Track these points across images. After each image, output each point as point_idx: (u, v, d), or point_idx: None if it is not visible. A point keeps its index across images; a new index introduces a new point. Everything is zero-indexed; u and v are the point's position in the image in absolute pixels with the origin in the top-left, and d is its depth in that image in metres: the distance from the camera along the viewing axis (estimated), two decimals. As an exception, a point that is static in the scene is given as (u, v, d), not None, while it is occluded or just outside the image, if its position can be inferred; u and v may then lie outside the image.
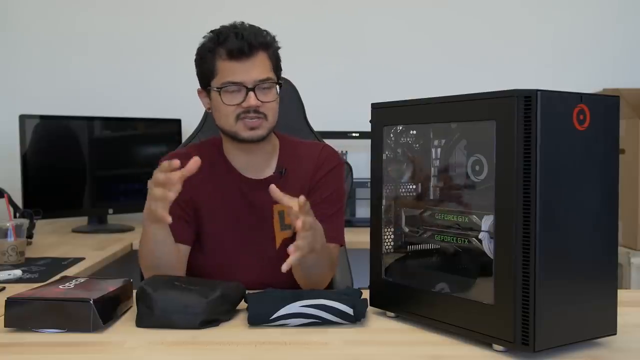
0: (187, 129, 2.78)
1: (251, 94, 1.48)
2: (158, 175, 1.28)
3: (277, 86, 1.54)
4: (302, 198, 1.27)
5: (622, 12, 3.17)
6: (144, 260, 1.47)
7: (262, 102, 1.49)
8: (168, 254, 1.45)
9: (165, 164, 1.28)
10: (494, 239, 1.06)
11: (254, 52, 1.49)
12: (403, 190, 1.31)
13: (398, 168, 1.31)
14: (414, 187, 1.31)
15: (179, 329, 1.18)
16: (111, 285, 1.26)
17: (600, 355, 1.07)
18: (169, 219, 1.29)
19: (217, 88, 1.50)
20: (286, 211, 1.58)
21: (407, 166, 1.32)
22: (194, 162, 1.28)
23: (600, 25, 3.15)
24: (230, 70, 1.49)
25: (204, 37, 1.54)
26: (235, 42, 1.47)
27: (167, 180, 1.26)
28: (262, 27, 1.55)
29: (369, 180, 1.32)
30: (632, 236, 2.56)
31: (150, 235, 1.41)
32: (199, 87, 1.58)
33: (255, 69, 1.49)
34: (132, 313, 1.27)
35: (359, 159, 2.80)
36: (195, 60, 1.56)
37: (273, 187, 1.30)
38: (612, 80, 3.02)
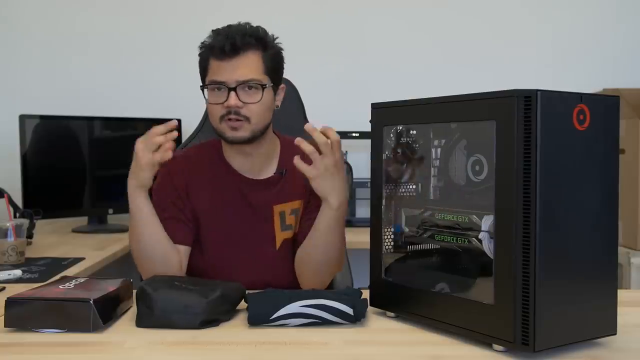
0: (187, 129, 2.76)
1: (232, 94, 1.47)
2: (157, 138, 1.37)
3: (263, 89, 1.50)
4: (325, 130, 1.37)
5: (622, 12, 3.17)
6: (135, 248, 1.48)
7: (244, 103, 1.48)
8: (158, 233, 1.47)
9: (161, 127, 1.37)
10: (494, 239, 1.06)
11: (239, 52, 1.48)
12: (403, 190, 1.31)
13: (398, 168, 1.31)
14: (414, 187, 1.31)
15: (179, 329, 1.18)
16: (111, 285, 1.26)
17: (600, 355, 1.07)
18: (170, 155, 1.39)
19: (202, 86, 1.52)
20: (286, 211, 1.58)
21: (407, 166, 1.32)
22: (173, 124, 1.38)
23: (600, 25, 3.16)
24: (215, 69, 1.49)
25: (207, 37, 1.55)
26: (220, 41, 1.48)
27: (164, 141, 1.37)
28: (263, 27, 1.54)
29: (369, 180, 1.32)
30: (632, 236, 2.56)
31: (138, 209, 1.44)
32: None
33: (240, 69, 1.48)
34: (132, 313, 1.27)
35: (359, 159, 2.80)
36: (198, 60, 1.57)
37: (299, 140, 1.36)
38: (612, 80, 3.01)
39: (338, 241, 1.48)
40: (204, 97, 1.58)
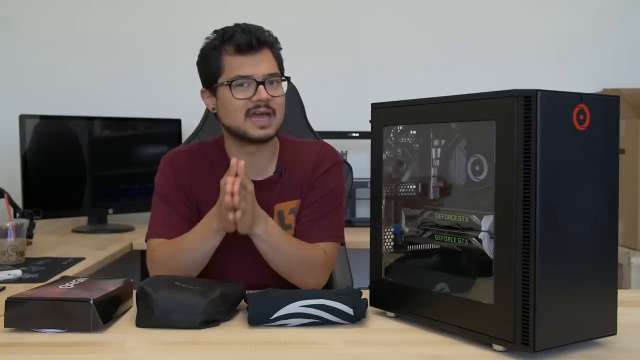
0: (187, 129, 2.78)
1: (261, 87, 1.48)
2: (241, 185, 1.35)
3: (284, 83, 1.54)
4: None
5: (622, 12, 3.17)
6: (183, 261, 1.47)
7: (271, 96, 1.49)
8: (206, 262, 1.48)
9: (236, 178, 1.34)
10: (494, 239, 1.06)
11: (261, 47, 1.50)
12: (403, 190, 1.31)
13: (398, 168, 1.31)
14: (414, 187, 1.31)
15: (179, 329, 1.18)
16: (111, 285, 1.26)
17: (600, 355, 1.07)
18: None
19: (227, 82, 1.49)
20: (285, 210, 1.58)
21: (407, 166, 1.32)
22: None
23: (600, 25, 3.16)
24: (238, 65, 1.49)
25: (207, 38, 1.54)
26: (243, 37, 1.48)
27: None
28: (263, 27, 1.55)
29: (369, 180, 1.32)
30: (632, 236, 2.56)
31: (212, 243, 1.45)
32: (202, 87, 1.57)
33: (263, 63, 1.49)
34: (132, 313, 1.27)
35: (359, 159, 2.80)
36: (198, 62, 1.56)
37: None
38: (612, 80, 3.02)
39: (289, 252, 1.48)
40: (207, 98, 1.56)
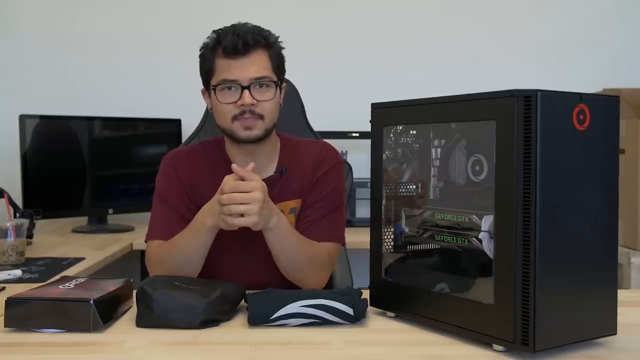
0: (187, 129, 2.78)
1: (246, 92, 1.47)
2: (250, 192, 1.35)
3: (276, 86, 1.52)
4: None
5: (622, 12, 3.17)
6: (178, 260, 1.46)
7: (257, 100, 1.48)
8: (202, 260, 1.47)
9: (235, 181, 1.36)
10: (494, 239, 1.06)
11: (250, 51, 1.48)
12: (403, 190, 1.31)
13: (398, 168, 1.31)
14: (414, 187, 1.31)
15: (179, 329, 1.18)
16: (111, 285, 1.26)
17: (600, 355, 1.07)
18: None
19: (213, 86, 1.50)
20: (285, 210, 1.58)
21: (407, 166, 1.32)
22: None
23: (600, 25, 3.16)
24: (226, 68, 1.48)
25: (207, 37, 1.54)
26: (231, 40, 1.47)
27: None
28: (263, 27, 1.54)
29: (369, 180, 1.32)
30: (632, 236, 2.56)
31: (207, 239, 1.44)
32: (202, 87, 1.58)
33: (251, 67, 1.48)
34: (132, 313, 1.27)
35: (359, 159, 2.80)
36: (199, 61, 1.57)
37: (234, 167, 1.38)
38: (612, 80, 3.02)
39: (297, 249, 1.48)
40: (207, 98, 1.57)
